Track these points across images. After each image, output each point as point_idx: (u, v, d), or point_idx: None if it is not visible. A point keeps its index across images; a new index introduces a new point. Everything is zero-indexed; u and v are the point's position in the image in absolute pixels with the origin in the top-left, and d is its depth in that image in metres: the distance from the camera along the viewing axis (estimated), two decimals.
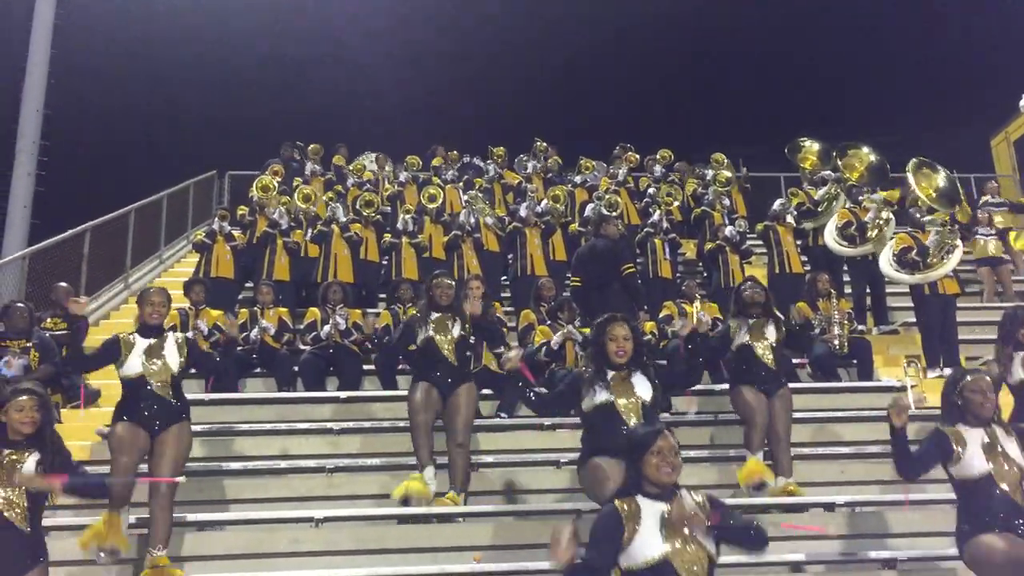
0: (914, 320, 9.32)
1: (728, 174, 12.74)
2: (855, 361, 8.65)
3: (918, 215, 9.63)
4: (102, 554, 5.16)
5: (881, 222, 9.90)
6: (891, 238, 9.67)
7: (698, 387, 8.02)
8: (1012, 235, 12.04)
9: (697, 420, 7.59)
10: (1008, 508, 4.24)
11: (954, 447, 4.35)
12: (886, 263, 9.22)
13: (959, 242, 8.98)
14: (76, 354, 5.94)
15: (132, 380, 5.50)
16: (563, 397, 5.20)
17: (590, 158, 13.74)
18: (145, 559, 5.27)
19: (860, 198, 10.50)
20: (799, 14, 23.66)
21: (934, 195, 9.61)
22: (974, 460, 4.32)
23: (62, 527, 5.73)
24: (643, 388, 4.86)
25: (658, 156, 14.22)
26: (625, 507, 3.44)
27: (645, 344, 7.89)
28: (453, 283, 6.46)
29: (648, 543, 3.36)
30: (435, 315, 6.26)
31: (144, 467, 5.46)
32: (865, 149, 11.18)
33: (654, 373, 4.99)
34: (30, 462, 4.30)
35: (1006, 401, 5.43)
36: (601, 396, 4.83)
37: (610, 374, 4.89)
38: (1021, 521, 4.24)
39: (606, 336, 4.90)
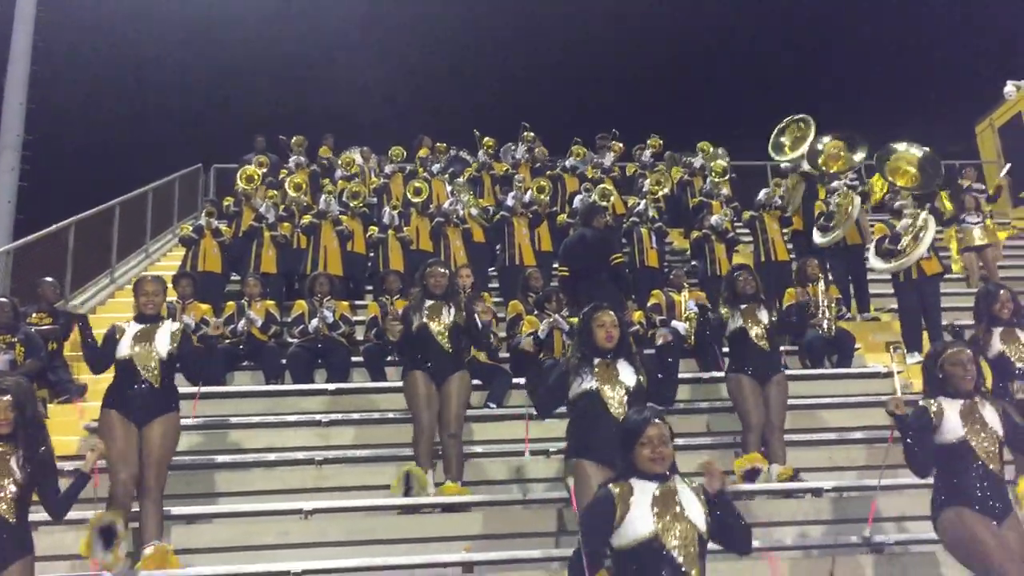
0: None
1: (724, 163, 12.73)
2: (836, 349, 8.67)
3: (894, 203, 9.61)
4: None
5: (847, 206, 9.78)
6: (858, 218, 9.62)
7: (692, 375, 8.11)
8: (990, 224, 12.02)
9: (693, 408, 7.63)
10: (982, 476, 4.34)
11: (933, 418, 4.45)
12: (872, 256, 9.16)
13: (930, 221, 8.79)
14: (92, 353, 5.81)
15: (122, 363, 5.54)
16: (554, 392, 5.03)
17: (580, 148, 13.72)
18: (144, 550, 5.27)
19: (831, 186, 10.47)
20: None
21: (914, 172, 9.24)
22: (951, 426, 4.42)
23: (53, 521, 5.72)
24: (627, 375, 4.82)
25: (647, 144, 14.15)
26: (617, 489, 3.47)
27: (633, 334, 8.00)
28: (447, 271, 6.51)
29: (639, 521, 3.39)
30: (429, 303, 6.32)
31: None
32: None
33: (640, 360, 4.97)
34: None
35: None
36: (586, 384, 4.79)
37: (595, 361, 4.87)
38: (992, 492, 4.32)
39: (593, 323, 4.90)
